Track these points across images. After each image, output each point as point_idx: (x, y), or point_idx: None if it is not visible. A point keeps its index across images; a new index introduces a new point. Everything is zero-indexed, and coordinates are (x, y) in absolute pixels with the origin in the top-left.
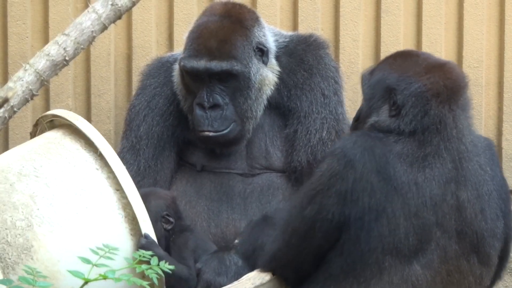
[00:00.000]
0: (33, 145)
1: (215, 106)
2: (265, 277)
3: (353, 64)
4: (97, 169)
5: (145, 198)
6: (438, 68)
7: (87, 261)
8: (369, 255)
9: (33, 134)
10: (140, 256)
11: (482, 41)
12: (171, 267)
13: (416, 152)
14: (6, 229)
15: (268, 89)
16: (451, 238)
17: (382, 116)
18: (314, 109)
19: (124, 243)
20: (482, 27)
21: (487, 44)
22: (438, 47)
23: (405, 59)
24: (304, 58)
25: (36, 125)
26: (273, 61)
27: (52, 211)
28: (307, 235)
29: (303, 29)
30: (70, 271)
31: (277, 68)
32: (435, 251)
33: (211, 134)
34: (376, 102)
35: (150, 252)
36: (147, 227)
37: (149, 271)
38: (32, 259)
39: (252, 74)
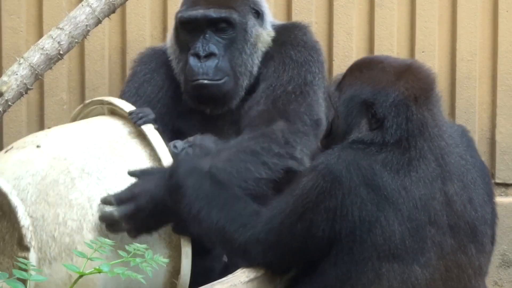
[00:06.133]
0: (98, 139)
1: (210, 55)
2: (260, 270)
3: (347, 57)
4: None
5: None
6: (407, 71)
7: (82, 254)
8: (364, 263)
9: (85, 106)
10: (134, 249)
11: (476, 34)
12: (166, 260)
13: (400, 159)
14: (56, 223)
15: (263, 47)
16: (446, 234)
17: (363, 130)
18: (280, 68)
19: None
20: (475, 20)
21: (480, 37)
22: (431, 40)
23: (371, 69)
24: (280, 38)
25: (95, 101)
26: (269, 28)
27: None
28: (299, 251)
29: None
30: (65, 265)
31: (273, 34)
32: (432, 249)
33: (205, 81)
34: (354, 119)
35: (144, 246)
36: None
37: (144, 264)
38: (71, 260)
39: (249, 28)
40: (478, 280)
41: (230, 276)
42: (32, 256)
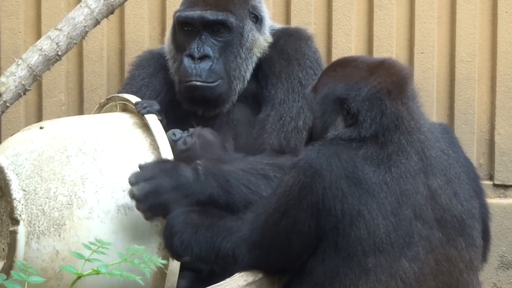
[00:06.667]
0: (102, 125)
1: (204, 57)
2: (258, 274)
3: None
4: None
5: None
6: (380, 66)
7: (80, 256)
8: (350, 258)
9: (102, 106)
10: (132, 252)
11: (475, 35)
12: (164, 261)
13: (380, 153)
14: (46, 197)
15: (258, 52)
16: (432, 227)
17: (339, 128)
18: (290, 97)
19: (153, 253)
20: (474, 21)
21: (479, 38)
22: (430, 41)
23: (345, 67)
24: (284, 49)
25: (109, 98)
26: (267, 34)
27: (95, 199)
28: (283, 248)
29: (295, 24)
30: (63, 267)
31: (270, 40)
32: (419, 243)
33: (198, 83)
34: (330, 116)
35: (142, 247)
36: None
37: (142, 265)
38: (59, 236)
39: (245, 32)
40: (470, 274)
41: (228, 279)
42: (22, 229)
